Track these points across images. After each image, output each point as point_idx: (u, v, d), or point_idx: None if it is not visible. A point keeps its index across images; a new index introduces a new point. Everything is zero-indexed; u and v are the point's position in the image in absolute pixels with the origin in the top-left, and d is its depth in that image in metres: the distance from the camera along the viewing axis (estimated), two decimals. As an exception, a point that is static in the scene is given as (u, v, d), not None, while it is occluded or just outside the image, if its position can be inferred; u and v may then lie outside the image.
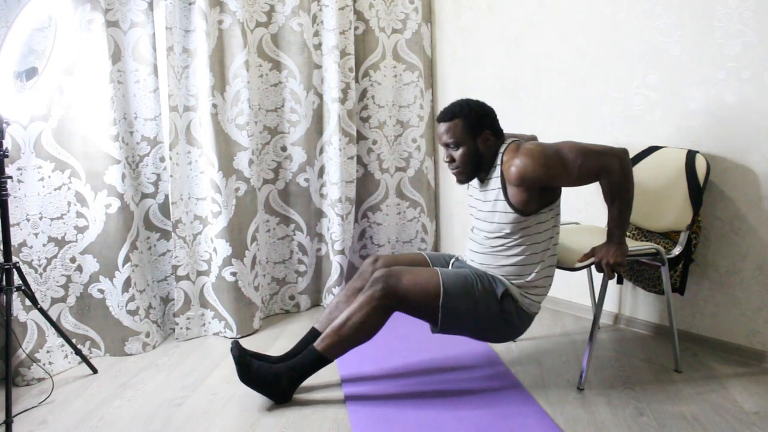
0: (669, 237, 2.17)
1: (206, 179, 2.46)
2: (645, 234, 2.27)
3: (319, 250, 2.90)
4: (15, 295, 1.97)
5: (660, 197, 2.18)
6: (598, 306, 1.98)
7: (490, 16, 2.84)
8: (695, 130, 2.22)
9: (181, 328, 2.49)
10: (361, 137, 3.00)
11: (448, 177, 3.17)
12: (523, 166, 1.76)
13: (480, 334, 1.94)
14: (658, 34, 2.28)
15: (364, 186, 3.05)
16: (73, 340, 2.22)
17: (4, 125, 1.85)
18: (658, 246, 2.03)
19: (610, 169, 1.78)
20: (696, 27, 2.17)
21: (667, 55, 2.26)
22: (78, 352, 2.14)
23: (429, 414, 1.82)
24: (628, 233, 2.31)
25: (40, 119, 2.11)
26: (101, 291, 2.29)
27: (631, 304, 2.52)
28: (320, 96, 2.78)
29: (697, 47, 2.18)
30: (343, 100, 2.76)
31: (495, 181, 1.86)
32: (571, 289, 2.70)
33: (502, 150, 1.87)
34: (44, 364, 2.12)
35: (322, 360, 1.88)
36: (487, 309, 1.84)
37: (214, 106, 2.41)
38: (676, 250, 2.08)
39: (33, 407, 1.93)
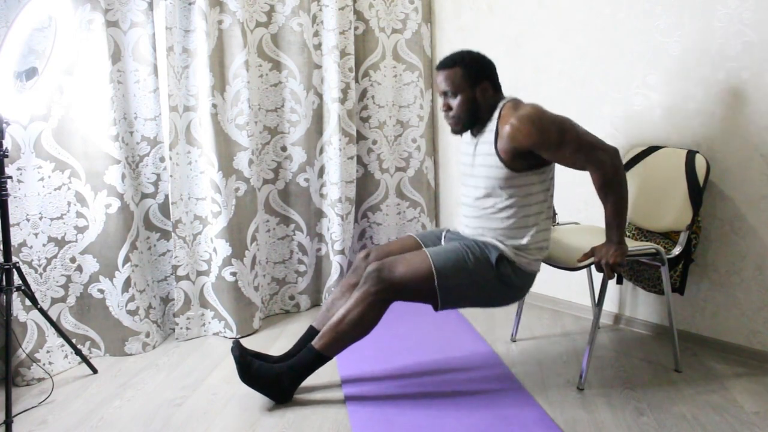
0: (669, 237, 2.18)
1: (206, 179, 2.46)
2: (645, 234, 2.27)
3: (319, 250, 2.90)
4: (15, 295, 1.97)
5: (660, 197, 2.18)
6: (598, 306, 1.98)
7: (490, 16, 2.84)
8: (695, 130, 2.22)
9: (181, 328, 2.49)
10: (361, 137, 3.00)
11: (448, 177, 3.17)
12: (518, 125, 1.74)
13: (483, 302, 1.93)
14: (658, 34, 2.28)
15: (364, 186, 3.05)
16: (73, 340, 2.22)
17: (4, 125, 1.85)
18: (658, 246, 2.03)
19: (602, 164, 1.77)
20: (696, 27, 2.17)
21: (667, 55, 2.26)
22: (78, 352, 2.14)
23: (429, 414, 1.82)
24: (627, 233, 2.31)
25: (40, 119, 2.11)
26: (101, 291, 2.29)
27: (631, 304, 2.52)
28: (320, 96, 2.78)
29: (697, 47, 2.18)
30: (343, 100, 2.76)
31: (488, 135, 1.84)
32: (571, 289, 2.70)
33: (500, 105, 1.86)
34: (44, 364, 2.12)
35: (321, 358, 1.87)
36: (483, 278, 1.83)
37: (214, 106, 2.41)
38: (676, 250, 2.08)
39: (33, 407, 1.93)
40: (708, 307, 2.28)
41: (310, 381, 1.98)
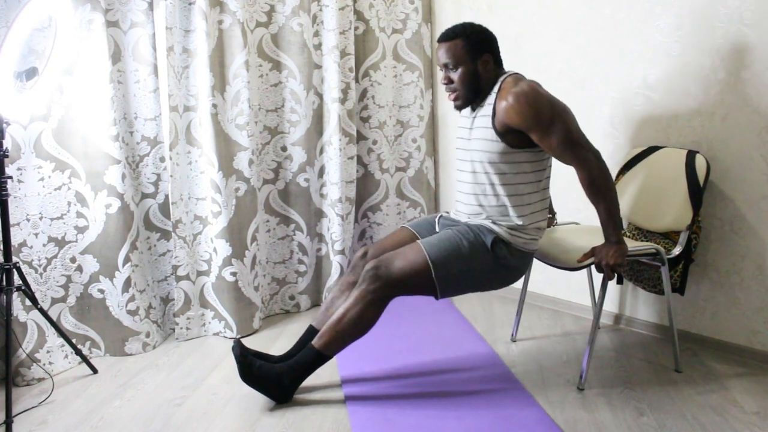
0: (669, 237, 2.17)
1: (206, 179, 2.46)
2: (645, 234, 2.27)
3: (319, 250, 2.90)
4: (15, 295, 1.97)
5: (660, 197, 2.18)
6: (598, 306, 1.98)
7: (490, 16, 2.84)
8: (695, 130, 2.22)
9: (181, 328, 2.49)
10: (361, 137, 3.00)
11: (448, 177, 3.17)
12: (512, 102, 1.73)
13: (483, 286, 1.92)
14: (658, 34, 2.28)
15: (364, 186, 3.05)
16: (73, 340, 2.22)
17: (5, 125, 1.85)
18: (658, 246, 2.03)
19: (588, 164, 1.77)
20: (696, 27, 2.17)
21: (667, 55, 2.26)
22: (78, 352, 2.14)
23: (429, 414, 1.82)
24: (628, 233, 2.31)
25: (40, 119, 2.11)
26: (101, 291, 2.29)
27: (631, 304, 2.52)
28: (320, 96, 2.78)
29: (697, 47, 2.18)
30: (343, 100, 2.76)
31: (487, 109, 1.84)
32: (571, 289, 2.70)
33: (501, 79, 1.84)
34: (44, 364, 2.12)
35: (321, 357, 1.87)
36: (480, 262, 1.83)
37: (214, 106, 2.41)
38: (676, 250, 2.08)
39: (33, 407, 1.93)
40: (708, 307, 2.28)
41: (310, 381, 1.98)
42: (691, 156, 2.11)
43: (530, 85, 1.77)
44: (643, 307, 2.48)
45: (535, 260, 2.12)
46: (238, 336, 2.51)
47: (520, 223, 1.85)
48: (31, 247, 2.13)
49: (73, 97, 2.17)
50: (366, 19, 2.92)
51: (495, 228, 1.84)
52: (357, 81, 2.95)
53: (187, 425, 1.81)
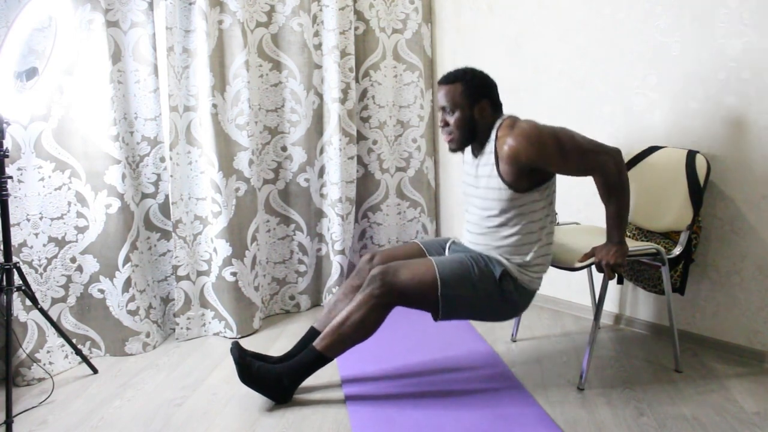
0: (669, 237, 2.17)
1: (206, 179, 2.46)
2: (645, 234, 2.27)
3: (319, 250, 2.90)
4: (15, 295, 1.97)
5: (660, 197, 2.18)
6: (598, 306, 1.98)
7: (490, 16, 2.84)
8: (695, 130, 2.22)
9: (182, 328, 2.49)
10: (361, 137, 3.00)
11: (448, 177, 3.17)
12: (516, 145, 1.74)
13: (482, 315, 1.93)
14: (658, 34, 2.28)
15: (365, 186, 3.05)
16: (74, 340, 2.22)
17: (5, 125, 1.85)
18: (658, 246, 2.03)
19: (606, 168, 1.78)
20: (696, 27, 2.17)
21: (667, 55, 2.26)
22: (78, 352, 2.14)
23: (429, 414, 1.82)
24: (628, 233, 2.31)
25: (40, 119, 2.11)
26: (101, 291, 2.29)
27: (632, 304, 2.52)
28: (320, 96, 2.78)
29: (697, 47, 2.18)
30: (343, 100, 2.76)
31: (488, 157, 1.84)
32: (571, 289, 2.70)
33: (497, 125, 1.85)
34: (44, 364, 2.12)
35: (322, 359, 1.87)
36: (486, 291, 1.83)
37: (215, 106, 2.41)
38: (677, 250, 2.08)
39: (33, 407, 1.93)
40: (708, 307, 2.28)
41: (310, 381, 1.98)
42: (691, 156, 2.11)
43: (527, 123, 1.79)
44: (643, 307, 2.48)
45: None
46: (238, 336, 2.51)
47: (528, 259, 1.86)
48: (32, 247, 2.13)
49: (73, 97, 2.17)
50: (366, 19, 2.92)
51: (504, 262, 1.85)
52: (357, 81, 2.95)
53: (187, 425, 1.81)
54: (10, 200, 1.97)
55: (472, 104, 1.84)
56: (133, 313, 2.32)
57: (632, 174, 2.29)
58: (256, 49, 2.62)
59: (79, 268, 2.26)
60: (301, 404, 1.92)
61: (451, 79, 1.86)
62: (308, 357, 1.88)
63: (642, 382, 2.02)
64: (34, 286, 2.12)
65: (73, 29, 2.14)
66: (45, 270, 2.17)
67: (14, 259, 2.05)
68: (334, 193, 2.79)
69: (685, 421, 1.77)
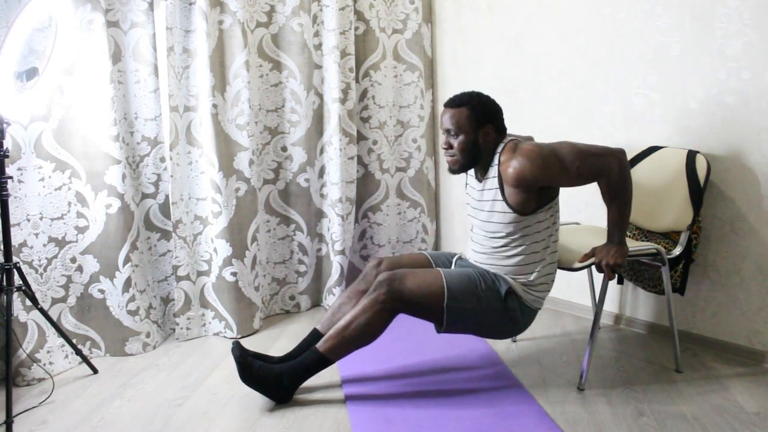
0: (669, 237, 2.17)
1: (206, 179, 2.46)
2: (645, 234, 2.27)
3: (319, 250, 2.90)
4: (15, 295, 1.97)
5: (660, 197, 2.18)
6: (598, 306, 1.98)
7: (490, 16, 2.84)
8: (695, 130, 2.22)
9: (182, 329, 2.49)
10: (361, 137, 3.00)
11: (448, 177, 3.17)
12: (520, 167, 1.76)
13: (484, 331, 1.94)
14: (658, 34, 2.28)
15: (365, 186, 3.05)
16: (74, 341, 2.22)
17: (5, 125, 1.85)
18: (658, 246, 2.03)
19: (609, 171, 1.79)
20: (696, 27, 2.17)
21: (667, 55, 2.26)
22: (78, 353, 2.14)
23: (429, 414, 1.82)
24: (628, 233, 2.31)
25: (40, 119, 2.11)
26: (101, 291, 2.29)
27: (632, 304, 2.52)
28: (320, 96, 2.78)
29: (697, 47, 2.18)
30: (343, 101, 2.76)
31: (492, 181, 1.86)
32: (571, 289, 2.70)
33: (499, 150, 1.87)
34: (44, 365, 2.12)
35: (324, 361, 1.88)
36: (490, 307, 1.84)
37: (215, 106, 2.41)
38: (677, 251, 2.08)
39: (33, 407, 1.93)
40: (708, 307, 2.27)
41: (310, 381, 1.98)
42: (691, 156, 2.11)
43: (527, 144, 1.81)
44: (643, 307, 2.48)
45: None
46: (239, 336, 2.51)
47: (532, 278, 1.87)
48: (32, 247, 2.13)
49: (73, 97, 2.17)
50: (366, 19, 2.92)
51: (510, 281, 1.87)
52: (357, 81, 2.95)
53: (187, 425, 1.81)
54: (10, 200, 1.97)
55: (477, 129, 1.86)
56: (133, 313, 2.32)
57: (632, 174, 2.28)
58: (256, 49, 2.62)
59: (80, 268, 2.26)
60: (301, 404, 1.92)
61: (457, 103, 1.88)
62: (310, 358, 1.88)
63: (642, 382, 2.02)
64: (34, 286, 2.12)
65: (74, 29, 2.14)
66: (45, 270, 2.17)
67: (14, 259, 2.05)
68: (334, 194, 2.79)
69: (685, 421, 1.77)
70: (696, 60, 2.19)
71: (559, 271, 2.02)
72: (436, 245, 3.26)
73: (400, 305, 1.82)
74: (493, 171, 1.86)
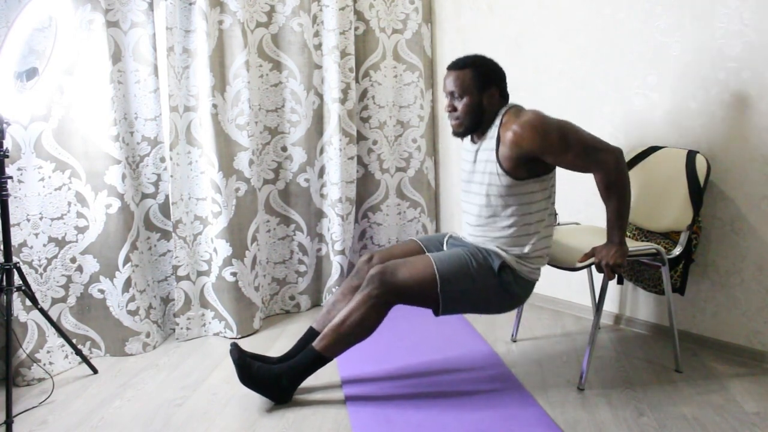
0: (669, 237, 2.17)
1: (206, 179, 2.46)
2: (645, 234, 2.27)
3: (319, 250, 2.90)
4: (15, 295, 1.97)
5: (660, 197, 2.18)
6: (598, 306, 1.98)
7: (490, 16, 2.84)
8: (695, 130, 2.22)
9: (182, 329, 2.49)
10: (361, 137, 3.00)
11: (448, 177, 3.17)
12: (521, 132, 1.74)
13: (483, 308, 1.93)
14: (658, 34, 2.28)
15: (365, 186, 3.05)
16: (74, 341, 2.22)
17: (5, 125, 1.85)
18: (658, 246, 2.03)
19: (606, 165, 1.78)
20: (696, 27, 2.17)
21: (667, 55, 2.26)
22: (78, 353, 2.14)
23: (429, 415, 1.82)
24: (628, 233, 2.31)
25: (40, 119, 2.11)
26: (101, 291, 2.29)
27: (632, 304, 2.52)
28: (320, 96, 2.78)
29: (697, 47, 2.18)
30: (343, 101, 2.76)
31: (489, 142, 1.84)
32: (571, 289, 2.70)
33: (502, 111, 1.85)
34: (44, 365, 2.12)
35: (321, 359, 1.87)
36: (485, 284, 1.83)
37: (215, 106, 2.41)
38: (677, 251, 2.08)
39: (33, 407, 1.93)
40: (708, 307, 2.27)
41: (310, 381, 1.98)
42: (691, 156, 2.11)
43: (533, 112, 1.79)
44: (643, 307, 2.48)
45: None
46: (238, 336, 2.51)
47: (527, 250, 1.86)
48: (32, 247, 2.13)
49: (73, 97, 2.17)
50: (366, 19, 2.92)
51: (503, 254, 1.85)
52: (357, 81, 2.95)
53: (187, 425, 1.81)
54: (10, 200, 1.97)
55: (481, 91, 1.84)
56: (133, 313, 2.32)
57: (632, 174, 2.29)
58: (256, 49, 2.62)
59: (79, 268, 2.26)
60: (301, 404, 1.92)
61: (461, 65, 1.86)
62: (307, 357, 1.88)
63: (642, 382, 2.02)
64: (34, 286, 2.12)
65: (74, 29, 2.14)
66: (45, 270, 2.17)
67: (14, 259, 2.05)
68: (334, 194, 2.79)
69: (685, 421, 1.77)
70: (696, 60, 2.19)
71: (559, 271, 2.02)
72: (436, 245, 3.25)
73: (394, 297, 1.82)
74: (492, 132, 1.84)
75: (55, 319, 2.20)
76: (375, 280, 1.81)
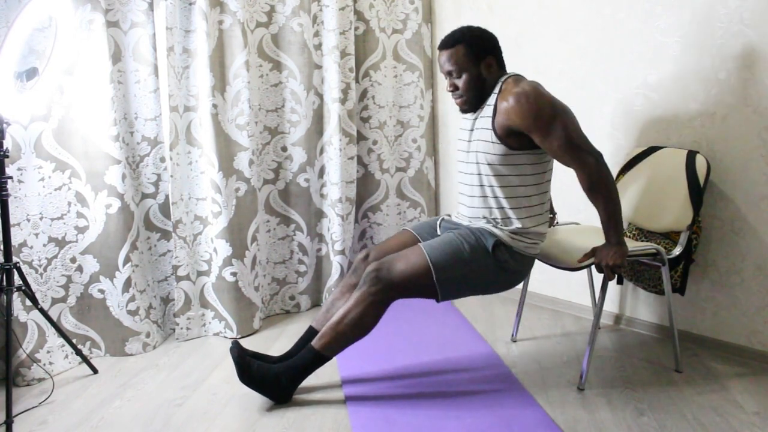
0: (669, 237, 2.17)
1: (206, 179, 2.46)
2: (645, 234, 2.27)
3: (319, 250, 2.90)
4: (15, 295, 1.97)
5: (660, 197, 2.18)
6: (598, 306, 1.98)
7: (490, 16, 2.84)
8: (695, 130, 2.22)
9: (182, 329, 2.49)
10: (361, 137, 3.00)
11: (448, 177, 3.17)
12: (513, 103, 1.73)
13: (483, 289, 1.92)
14: (658, 34, 2.28)
15: (365, 186, 3.05)
16: (74, 341, 2.22)
17: (5, 125, 1.85)
18: (658, 246, 2.03)
19: (587, 167, 1.76)
20: (696, 27, 2.17)
21: (667, 55, 2.26)
22: (78, 353, 2.14)
23: (429, 414, 1.82)
24: (628, 233, 2.31)
25: (40, 119, 2.11)
26: (101, 291, 2.29)
27: (632, 304, 2.52)
28: (320, 96, 2.78)
29: (697, 47, 2.18)
30: (343, 101, 2.76)
31: (487, 110, 1.83)
32: (571, 289, 2.70)
33: (502, 80, 1.84)
34: (44, 365, 2.12)
35: (320, 358, 1.87)
36: (481, 266, 1.83)
37: (215, 106, 2.41)
38: (677, 251, 2.08)
39: (33, 407, 1.93)
40: (708, 307, 2.28)
41: (310, 381, 1.98)
42: (691, 156, 2.11)
43: (532, 86, 1.76)
44: (643, 307, 2.48)
45: (535, 260, 2.12)
46: (238, 336, 2.51)
47: (521, 226, 1.85)
48: (32, 247, 2.13)
49: (73, 97, 2.17)
50: (366, 19, 2.92)
51: (496, 231, 1.84)
52: (357, 81, 2.95)
53: (187, 425, 1.81)
54: (10, 200, 1.97)
55: (478, 63, 1.83)
56: (133, 313, 2.32)
57: (632, 174, 2.29)
58: (256, 49, 2.62)
59: (79, 268, 2.26)
60: (301, 404, 1.92)
61: (451, 42, 1.84)
62: (307, 356, 1.88)
63: (642, 382, 2.02)
64: (34, 286, 2.12)
65: (74, 29, 2.14)
66: (45, 270, 2.17)
67: (14, 259, 2.05)
68: (334, 194, 2.79)
69: (686, 421, 1.77)
70: (695, 60, 2.19)
71: (559, 271, 2.02)
72: (436, 245, 3.25)
73: (391, 293, 1.81)
74: (491, 100, 1.82)
75: (55, 319, 2.20)
76: (372, 278, 1.81)
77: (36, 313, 2.10)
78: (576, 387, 2.00)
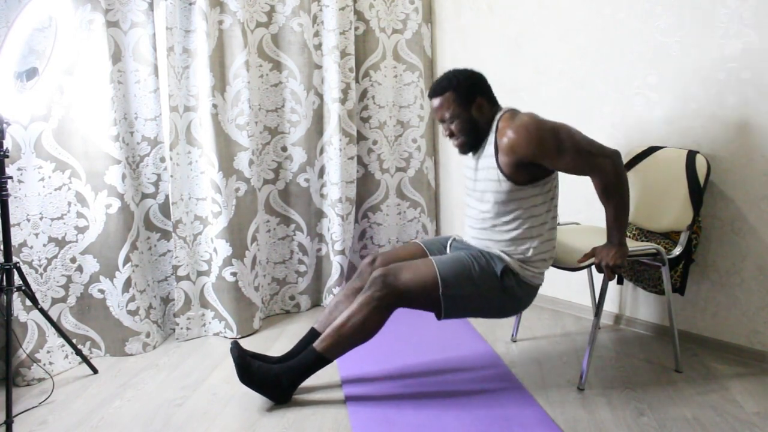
0: (669, 237, 2.17)
1: (206, 179, 2.46)
2: (645, 234, 2.27)
3: (319, 250, 2.90)
4: (15, 295, 1.97)
5: (660, 197, 2.18)
6: (598, 306, 1.98)
7: (490, 16, 2.84)
8: (695, 130, 2.22)
9: (182, 329, 2.49)
10: (361, 137, 3.00)
11: (448, 177, 3.17)
12: (516, 137, 1.74)
13: (485, 313, 1.93)
14: (658, 34, 2.28)
15: (365, 186, 3.05)
16: (74, 341, 2.22)
17: (5, 125, 1.85)
18: (658, 246, 2.03)
19: (603, 171, 1.78)
20: (696, 27, 2.17)
21: (667, 55, 2.26)
22: (78, 353, 2.14)
23: (429, 414, 1.82)
24: (628, 233, 2.31)
25: (40, 119, 2.11)
26: (101, 291, 2.29)
27: (632, 304, 2.52)
28: (320, 96, 2.78)
29: (697, 47, 2.18)
30: (343, 101, 2.76)
31: (489, 149, 1.84)
32: (571, 289, 2.70)
33: (497, 117, 1.85)
34: (44, 365, 2.12)
35: (322, 360, 1.87)
36: (488, 288, 1.83)
37: (215, 106, 2.41)
38: (677, 251, 2.08)
39: (33, 407, 1.93)
40: (708, 307, 2.27)
41: (310, 381, 1.98)
42: (691, 156, 2.11)
43: (528, 116, 1.79)
44: (643, 307, 2.48)
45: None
46: (238, 336, 2.51)
47: (530, 254, 1.86)
48: (32, 247, 2.13)
49: (73, 97, 2.17)
50: (366, 19, 2.92)
51: (506, 258, 1.85)
52: (357, 81, 2.95)
53: (187, 425, 1.81)
54: (10, 200, 1.97)
55: (469, 107, 1.85)
56: (133, 313, 2.32)
57: (632, 174, 2.29)
58: (256, 49, 2.62)
59: (79, 268, 2.26)
60: (301, 404, 1.92)
61: (439, 90, 1.86)
62: (308, 358, 1.88)
63: (642, 383, 2.02)
64: (34, 286, 2.12)
65: (74, 29, 2.14)
66: (45, 270, 2.17)
67: (14, 259, 2.05)
68: (334, 194, 2.79)
69: (685, 421, 1.77)
70: (696, 60, 2.19)
71: (559, 271, 2.02)
72: (436, 245, 3.25)
73: (396, 300, 1.81)
74: (490, 138, 1.84)
75: (55, 319, 2.20)
76: (378, 283, 1.81)
77: (36, 313, 2.10)
78: (576, 387, 2.00)
